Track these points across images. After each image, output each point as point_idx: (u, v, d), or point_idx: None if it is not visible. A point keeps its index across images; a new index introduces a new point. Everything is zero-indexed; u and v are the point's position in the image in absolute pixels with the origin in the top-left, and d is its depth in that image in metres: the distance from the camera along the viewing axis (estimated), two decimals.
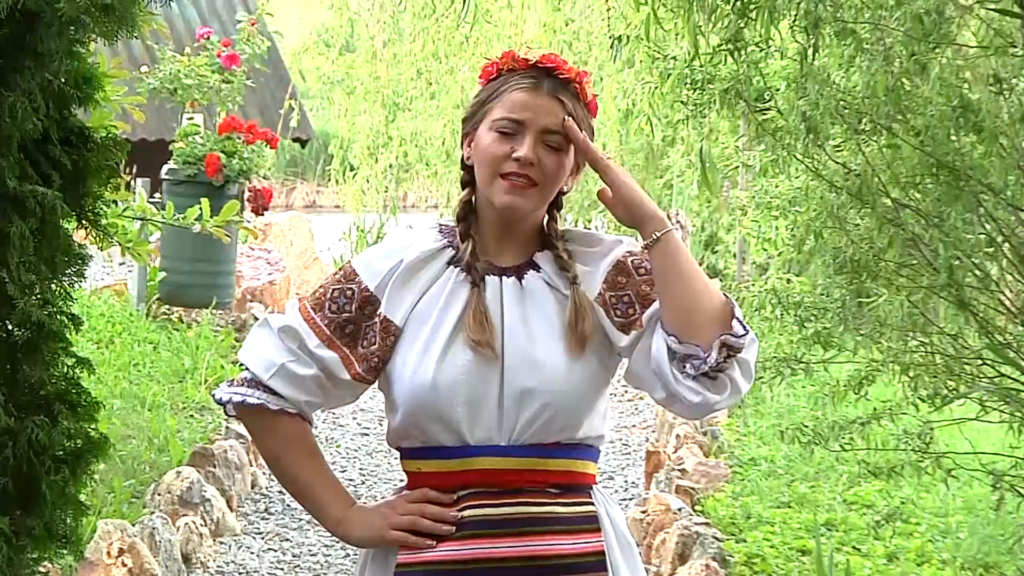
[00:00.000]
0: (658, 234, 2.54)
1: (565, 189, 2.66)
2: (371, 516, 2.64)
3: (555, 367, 2.57)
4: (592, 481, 2.67)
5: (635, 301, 2.62)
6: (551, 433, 2.58)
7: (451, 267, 2.64)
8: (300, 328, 2.63)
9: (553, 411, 2.57)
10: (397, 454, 2.69)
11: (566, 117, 2.59)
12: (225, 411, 2.68)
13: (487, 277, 2.63)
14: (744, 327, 2.55)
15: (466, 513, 2.58)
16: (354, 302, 2.62)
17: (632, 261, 2.64)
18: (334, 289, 2.64)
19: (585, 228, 15.84)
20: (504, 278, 2.63)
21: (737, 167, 7.10)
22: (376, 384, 2.68)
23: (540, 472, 2.59)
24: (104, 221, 3.35)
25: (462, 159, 2.68)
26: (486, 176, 2.61)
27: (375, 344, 2.61)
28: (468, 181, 2.67)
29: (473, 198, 2.67)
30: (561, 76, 2.62)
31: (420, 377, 2.56)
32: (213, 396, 2.69)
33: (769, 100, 4.81)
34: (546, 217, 2.68)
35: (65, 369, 3.27)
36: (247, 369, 2.66)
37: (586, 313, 2.61)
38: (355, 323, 2.62)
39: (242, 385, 2.65)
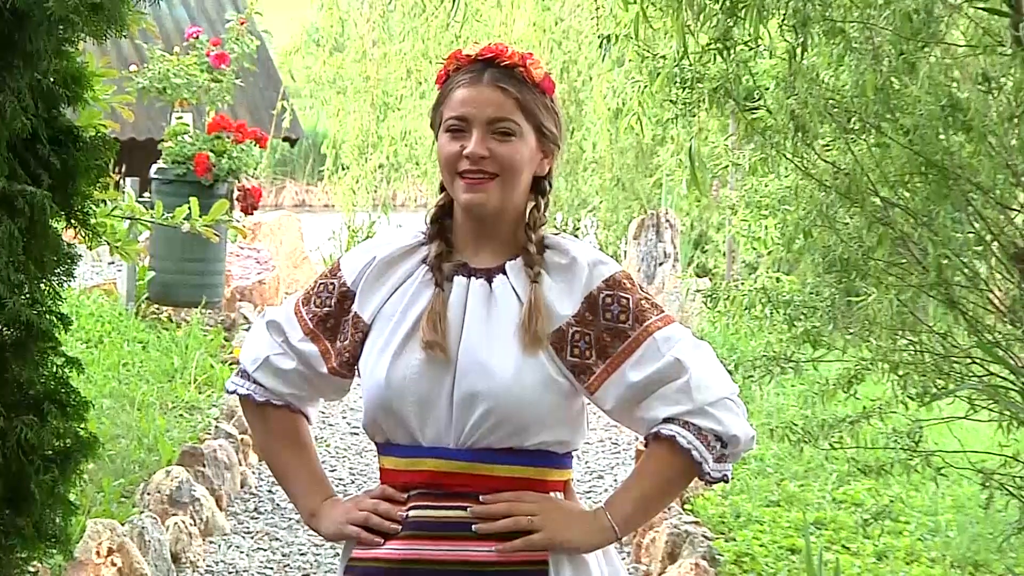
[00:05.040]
0: (618, 537, 2.64)
1: (540, 173, 2.63)
2: (336, 511, 2.68)
3: (504, 371, 2.53)
4: (555, 488, 2.62)
5: (592, 345, 2.57)
6: (499, 439, 2.54)
7: (423, 265, 2.63)
8: (286, 322, 2.70)
9: (498, 416, 2.53)
10: None
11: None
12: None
13: (456, 278, 2.60)
14: (724, 472, 2.60)
15: (411, 513, 2.59)
16: (334, 296, 2.67)
17: (603, 298, 2.57)
18: (320, 283, 2.70)
19: (575, 227, 15.86)
20: (473, 279, 2.60)
21: (727, 166, 7.09)
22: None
23: (487, 478, 2.56)
24: (93, 220, 3.34)
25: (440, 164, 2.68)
26: (447, 178, 2.61)
27: (347, 340, 2.65)
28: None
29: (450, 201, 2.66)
30: (503, 64, 2.58)
31: (376, 375, 2.58)
32: (227, 388, 2.80)
33: (758, 99, 4.81)
34: (531, 205, 2.62)
35: (54, 369, 3.27)
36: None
37: (540, 313, 2.55)
38: (335, 317, 2.67)
39: (240, 376, 2.74)
